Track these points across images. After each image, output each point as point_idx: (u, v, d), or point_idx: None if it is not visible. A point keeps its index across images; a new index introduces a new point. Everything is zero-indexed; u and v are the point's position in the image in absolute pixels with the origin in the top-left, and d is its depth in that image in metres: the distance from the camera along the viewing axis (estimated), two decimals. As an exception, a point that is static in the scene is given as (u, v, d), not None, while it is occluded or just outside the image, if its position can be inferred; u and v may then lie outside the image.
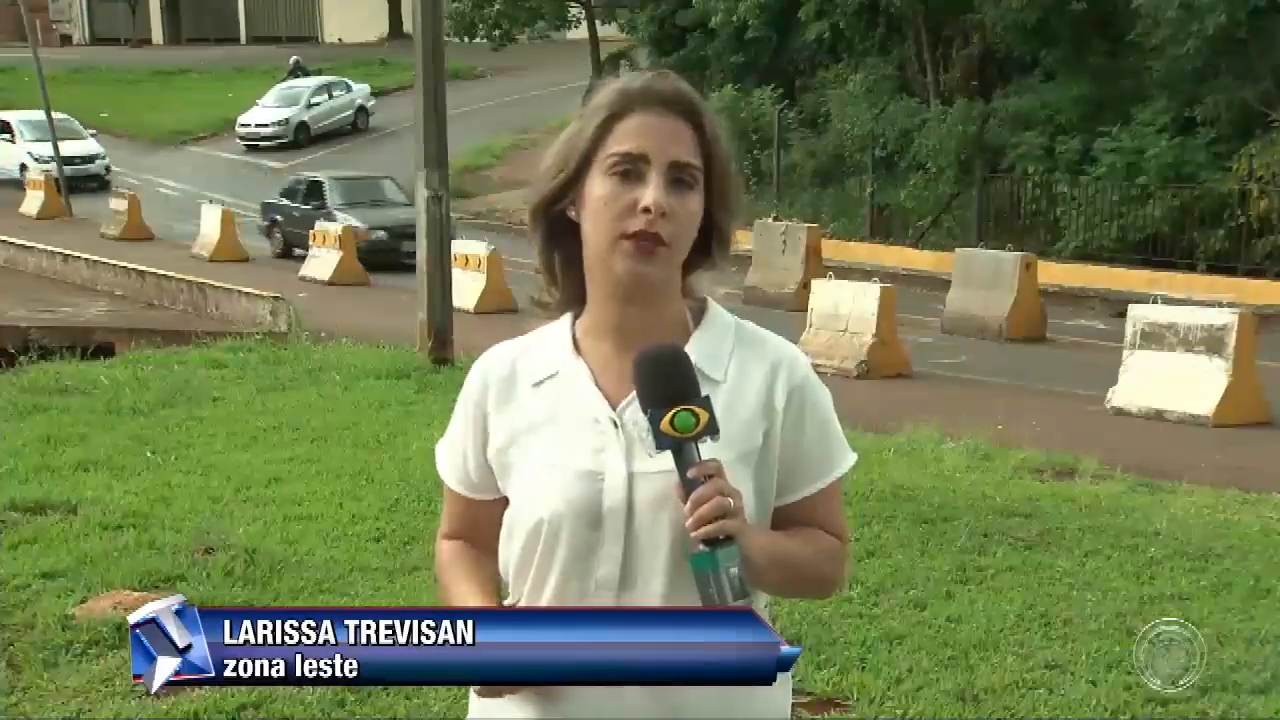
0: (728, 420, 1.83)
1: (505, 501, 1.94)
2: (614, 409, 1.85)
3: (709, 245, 1.92)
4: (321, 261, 20.92)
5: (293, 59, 39.65)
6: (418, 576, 5.91)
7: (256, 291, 16.41)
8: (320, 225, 21.76)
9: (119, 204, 26.41)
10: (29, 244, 22.06)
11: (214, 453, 8.52)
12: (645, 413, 1.76)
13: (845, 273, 17.19)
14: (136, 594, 5.48)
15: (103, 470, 7.90)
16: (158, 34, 61.60)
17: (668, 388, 1.75)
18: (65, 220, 28.00)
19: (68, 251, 20.99)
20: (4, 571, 5.75)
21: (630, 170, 1.83)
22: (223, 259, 22.44)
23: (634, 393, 1.81)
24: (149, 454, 8.38)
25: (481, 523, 1.97)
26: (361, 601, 5.57)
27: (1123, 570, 6.31)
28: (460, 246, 16.76)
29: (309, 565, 6.07)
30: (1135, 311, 11.87)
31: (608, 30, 36.89)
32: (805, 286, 16.10)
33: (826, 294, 14.12)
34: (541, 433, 1.88)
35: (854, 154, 25.80)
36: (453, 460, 2.01)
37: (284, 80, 39.15)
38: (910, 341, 14.34)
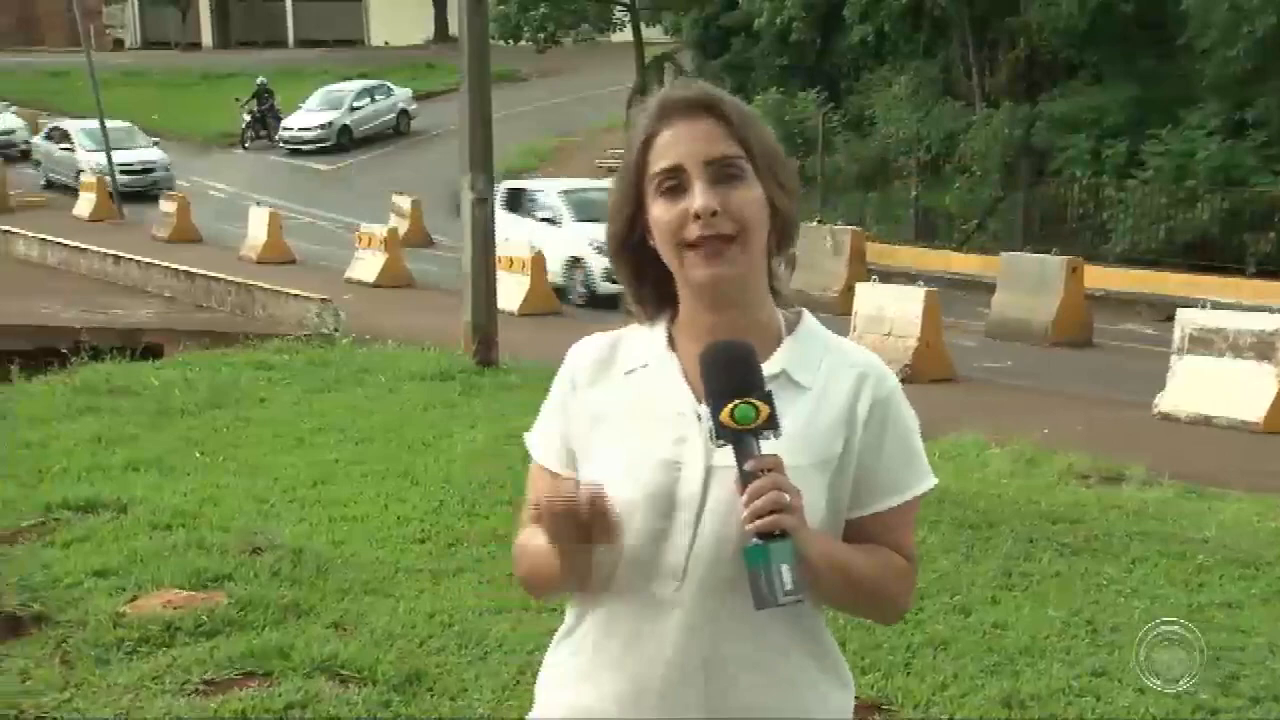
0: (810, 426, 1.84)
1: None
2: (699, 405, 1.84)
3: (779, 234, 1.92)
4: (367, 263, 21.06)
5: (259, 80, 39.80)
6: (462, 579, 5.94)
7: (303, 293, 16.53)
8: (365, 228, 21.92)
9: (168, 206, 26.70)
10: (81, 246, 22.31)
11: (261, 454, 8.59)
12: (708, 403, 1.76)
13: (889, 276, 17.15)
14: (185, 593, 5.54)
15: (152, 470, 7.99)
16: (207, 38, 62.17)
17: (730, 380, 1.75)
18: (116, 222, 28.31)
19: (119, 253, 21.21)
20: (57, 569, 5.82)
21: (675, 185, 1.85)
22: (270, 261, 22.63)
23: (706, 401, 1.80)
24: (197, 455, 8.47)
25: None
26: (406, 603, 5.60)
27: (1171, 577, 6.26)
28: (504, 249, 16.82)
29: (355, 566, 6.11)
30: (1183, 316, 11.77)
31: (652, 33, 36.90)
32: (849, 290, 16.06)
33: (870, 297, 14.08)
34: (626, 419, 1.89)
35: (898, 157, 25.71)
36: (547, 440, 2.00)
37: (248, 101, 39.26)
38: (955, 345, 14.27)
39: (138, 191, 30.26)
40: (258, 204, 25.51)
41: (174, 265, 19.78)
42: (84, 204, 29.40)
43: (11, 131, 36.92)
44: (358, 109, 38.61)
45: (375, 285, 20.30)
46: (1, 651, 5.03)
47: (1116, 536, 6.90)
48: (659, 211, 1.86)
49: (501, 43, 34.90)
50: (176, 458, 8.37)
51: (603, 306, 17.74)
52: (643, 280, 1.95)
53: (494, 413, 9.91)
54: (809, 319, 1.96)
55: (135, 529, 6.53)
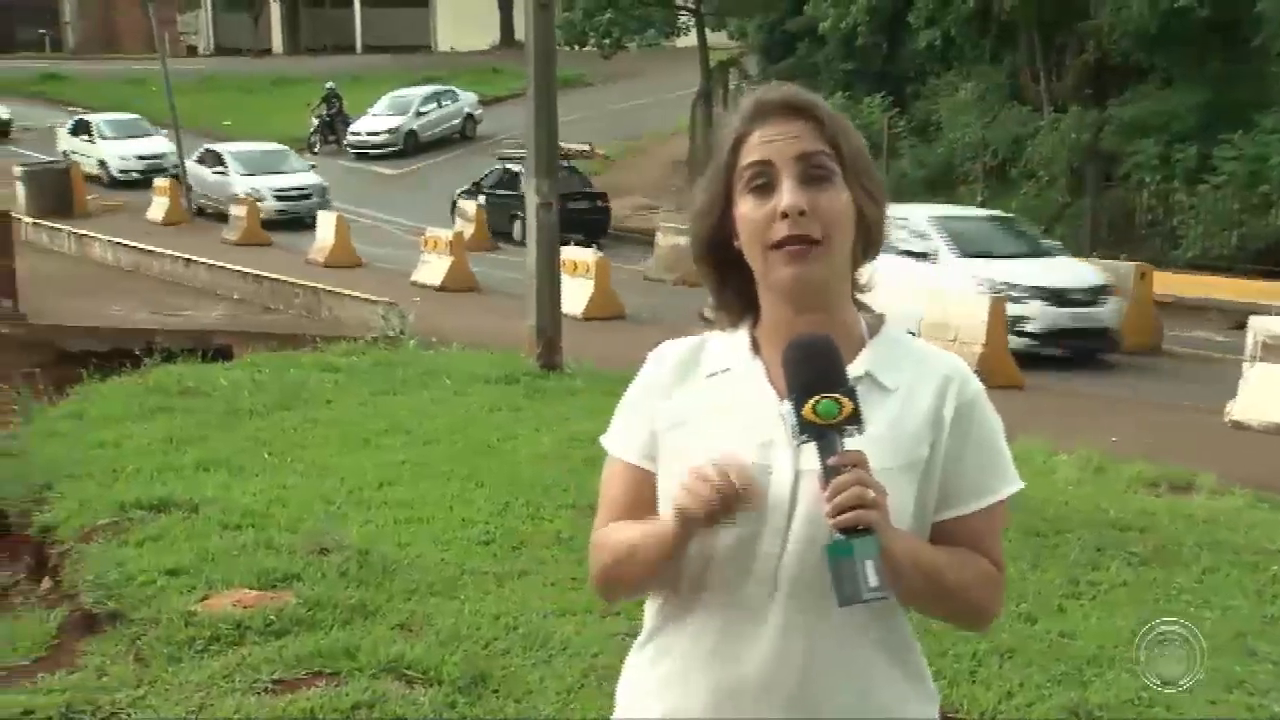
0: (896, 429, 1.83)
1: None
2: (781, 406, 1.83)
3: (864, 241, 1.91)
4: (432, 267, 21.21)
5: (328, 85, 40.18)
6: (527, 581, 5.97)
7: (369, 296, 16.69)
8: (430, 232, 22.10)
9: (238, 210, 27.05)
10: (153, 249, 22.67)
11: (328, 455, 8.67)
12: (789, 399, 1.75)
13: (955, 282, 16.95)
14: (255, 592, 5.61)
15: (222, 470, 8.09)
16: (278, 44, 62.94)
17: (813, 375, 1.74)
18: (188, 225, 28.71)
19: (189, 256, 21.53)
20: (131, 568, 5.91)
21: (764, 182, 1.84)
22: (337, 264, 22.85)
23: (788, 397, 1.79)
24: (266, 455, 8.57)
25: (646, 502, 1.94)
26: (471, 605, 5.64)
27: (1243, 588, 6.17)
28: (568, 253, 16.88)
29: (420, 567, 6.16)
30: (1256, 323, 11.59)
31: (717, 38, 36.89)
32: (914, 295, 15.94)
33: (936, 303, 13.99)
34: (710, 422, 1.88)
35: (964, 162, 25.52)
36: (628, 434, 1.98)
37: (317, 106, 39.63)
38: (1021, 351, 14.14)
39: (293, 218, 27.90)
40: (325, 208, 25.76)
41: (243, 268, 20.04)
42: (157, 207, 29.85)
43: (161, 155, 34.25)
44: (424, 114, 38.95)
45: (440, 289, 20.45)
46: (79, 648, 5.14)
47: (1186, 546, 6.81)
48: (746, 209, 1.85)
49: (566, 48, 35.05)
50: (246, 458, 8.47)
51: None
52: (725, 284, 1.94)
53: (558, 416, 9.95)
54: (891, 324, 1.95)
55: (206, 529, 6.62)
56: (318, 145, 39.31)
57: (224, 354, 14.16)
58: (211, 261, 20.97)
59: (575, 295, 17.00)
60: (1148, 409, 12.33)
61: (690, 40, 36.31)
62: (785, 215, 1.81)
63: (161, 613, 5.37)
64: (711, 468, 1.73)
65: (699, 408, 1.90)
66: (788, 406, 1.76)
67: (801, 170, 1.83)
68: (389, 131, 38.09)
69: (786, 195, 1.82)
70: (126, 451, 8.49)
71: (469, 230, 24.55)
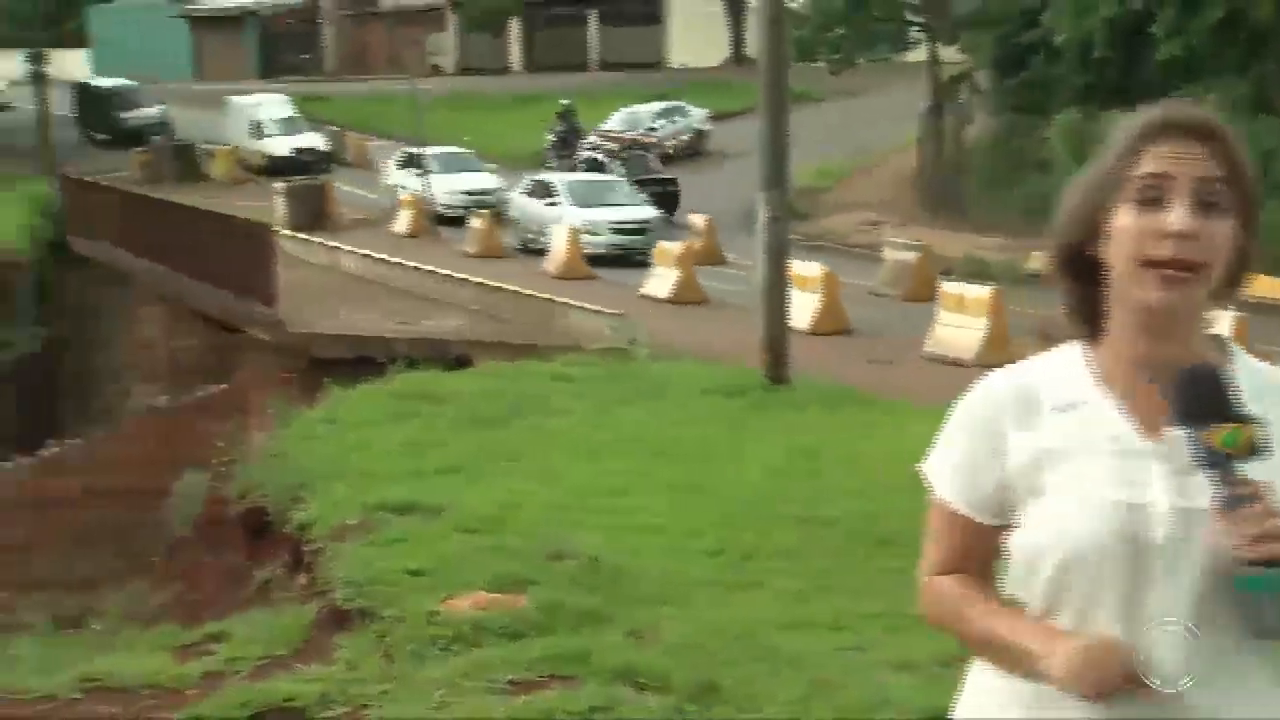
0: (1272, 462, 1.73)
1: (1005, 529, 1.86)
2: (1146, 442, 1.78)
3: (1230, 276, 1.82)
4: (661, 280, 21.45)
5: (563, 102, 40.75)
6: (756, 593, 6.03)
7: (600, 309, 17.02)
8: (660, 245, 22.35)
9: (478, 223, 27.85)
10: (397, 260, 23.57)
11: (559, 463, 8.92)
12: (1184, 427, 1.70)
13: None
14: (490, 595, 5.82)
15: (460, 475, 8.41)
16: (517, 62, 64.69)
17: (1211, 404, 1.69)
18: (430, 238, 29.71)
19: (429, 267, 22.31)
20: (378, 566, 6.21)
21: (1155, 196, 1.78)
22: (570, 277, 23.30)
23: (1170, 427, 1.73)
24: (502, 462, 8.86)
25: (979, 550, 1.89)
26: (700, 614, 5.74)
27: None
28: (796, 267, 16.87)
29: (649, 576, 6.30)
30: None
31: (946, 52, 36.29)
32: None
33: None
34: (1071, 461, 1.81)
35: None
36: (961, 480, 1.89)
37: (553, 124, 40.24)
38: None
39: (618, 255, 24.84)
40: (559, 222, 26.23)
41: (480, 279, 20.68)
42: (402, 221, 31.04)
43: (489, 190, 31.40)
44: (655, 129, 39.44)
45: (669, 301, 20.65)
46: (332, 642, 5.44)
47: None
48: (1128, 220, 1.78)
49: (797, 64, 34.94)
50: (482, 463, 8.78)
51: None
52: (1078, 294, 1.87)
53: (785, 429, 9.99)
54: (1238, 350, 1.88)
55: (445, 531, 6.91)
56: (553, 161, 40.18)
57: (462, 362, 14.65)
58: (450, 273, 21.69)
59: (803, 309, 16.95)
60: None
61: (919, 55, 35.84)
62: (1173, 236, 1.75)
63: (406, 611, 5.62)
64: (1103, 653, 1.74)
65: (1056, 446, 1.82)
66: (1179, 434, 1.71)
67: (1198, 193, 1.76)
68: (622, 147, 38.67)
69: (1179, 216, 1.75)
70: (373, 454, 8.90)
71: (698, 243, 24.74)
